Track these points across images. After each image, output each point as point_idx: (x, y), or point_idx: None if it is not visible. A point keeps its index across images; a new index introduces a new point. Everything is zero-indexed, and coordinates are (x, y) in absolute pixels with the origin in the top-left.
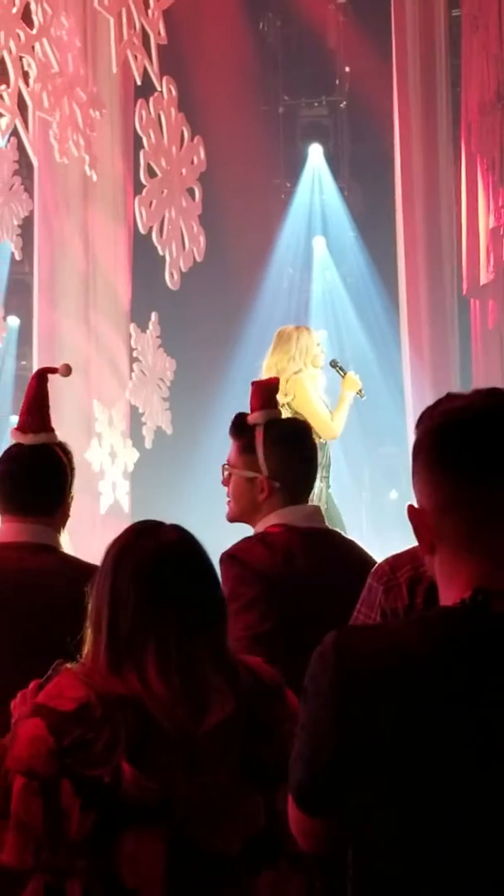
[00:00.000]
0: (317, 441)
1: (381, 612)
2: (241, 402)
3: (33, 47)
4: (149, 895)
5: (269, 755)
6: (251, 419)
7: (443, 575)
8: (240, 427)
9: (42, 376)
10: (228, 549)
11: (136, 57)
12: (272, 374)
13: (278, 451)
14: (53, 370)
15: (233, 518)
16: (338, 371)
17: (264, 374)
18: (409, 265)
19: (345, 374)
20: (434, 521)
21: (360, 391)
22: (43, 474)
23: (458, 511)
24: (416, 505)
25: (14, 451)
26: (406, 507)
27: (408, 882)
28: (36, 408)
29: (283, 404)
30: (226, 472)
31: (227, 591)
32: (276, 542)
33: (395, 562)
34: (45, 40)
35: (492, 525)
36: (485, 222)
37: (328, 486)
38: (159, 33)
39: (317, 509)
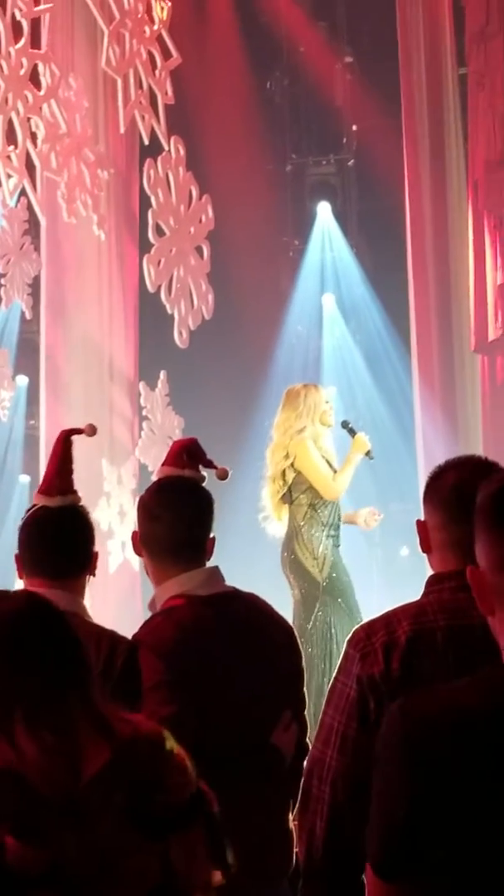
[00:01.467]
0: (320, 501)
1: (356, 679)
2: (252, 460)
3: (41, 108)
4: None
5: (158, 805)
6: (153, 475)
7: (500, 634)
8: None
9: (67, 438)
10: (137, 632)
11: (143, 117)
12: (280, 433)
13: (141, 506)
14: (79, 431)
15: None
16: (348, 432)
17: (274, 433)
18: (419, 321)
19: (355, 434)
20: (493, 580)
21: (369, 452)
22: (70, 538)
23: None
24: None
25: (40, 513)
26: (467, 570)
27: None
28: (62, 470)
29: (288, 465)
30: None
31: (143, 676)
32: (182, 619)
33: (370, 627)
34: (53, 101)
35: None
36: (492, 279)
37: (336, 545)
38: (167, 93)
39: (215, 570)
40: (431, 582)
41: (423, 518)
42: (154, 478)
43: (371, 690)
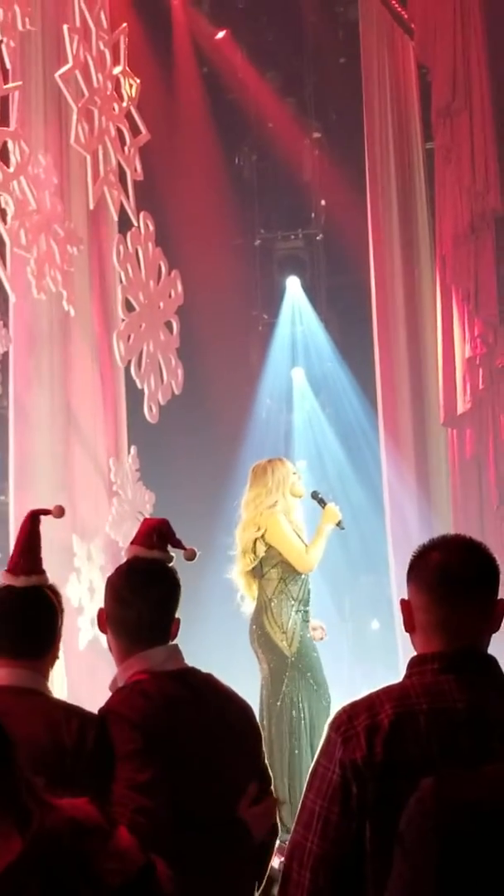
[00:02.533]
0: (291, 576)
1: (339, 764)
2: (223, 534)
3: (11, 185)
4: None
5: (85, 893)
6: (123, 553)
7: None
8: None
9: (35, 518)
10: (105, 704)
11: (112, 193)
12: (250, 510)
13: (109, 587)
14: (46, 512)
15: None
16: (319, 503)
17: (244, 511)
18: (386, 394)
19: (325, 505)
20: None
21: (340, 523)
22: (35, 618)
23: None
24: None
25: (4, 594)
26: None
27: None
28: (28, 550)
29: (259, 538)
30: None
31: (115, 747)
32: (148, 690)
33: (353, 710)
34: (22, 178)
35: None
36: (461, 352)
37: (305, 620)
38: (136, 169)
39: (175, 648)
40: (414, 663)
41: (406, 597)
42: (124, 556)
43: (354, 775)
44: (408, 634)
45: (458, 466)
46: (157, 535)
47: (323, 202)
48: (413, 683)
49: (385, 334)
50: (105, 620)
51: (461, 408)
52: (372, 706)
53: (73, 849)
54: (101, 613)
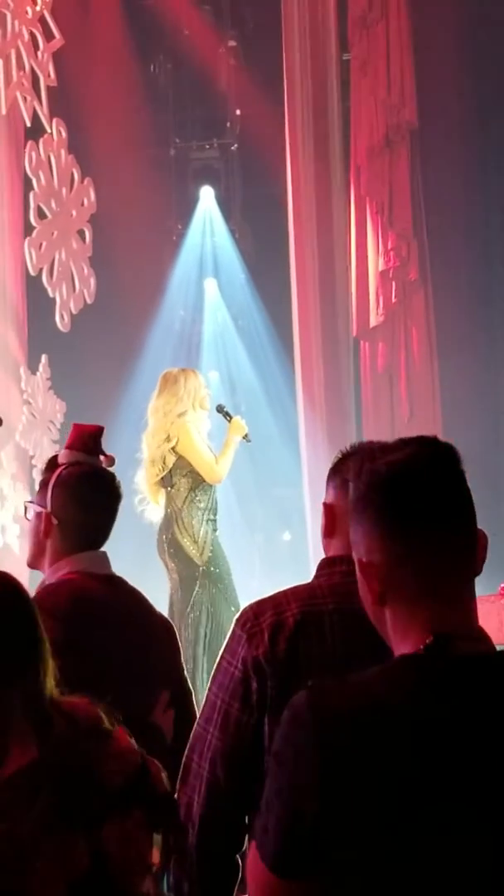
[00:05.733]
0: (200, 485)
1: (241, 660)
2: (130, 443)
3: None
4: None
5: (90, 796)
6: (59, 457)
7: (397, 624)
8: (48, 464)
9: None
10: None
11: (25, 98)
12: (158, 417)
13: (64, 489)
14: None
15: (29, 560)
16: (224, 416)
17: (150, 418)
18: (301, 307)
19: (231, 418)
20: (386, 573)
21: (247, 436)
22: None
23: (412, 561)
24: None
25: None
26: (357, 562)
27: None
28: None
29: (169, 448)
30: (26, 508)
31: None
32: (75, 588)
33: (259, 608)
34: None
35: (442, 572)
36: (374, 265)
37: (214, 530)
38: (49, 75)
39: (105, 555)
40: (323, 565)
41: (327, 501)
42: (61, 460)
43: (255, 671)
44: (320, 544)
45: (371, 380)
46: (94, 441)
47: (238, 112)
48: (321, 584)
49: (300, 247)
50: (51, 522)
51: (374, 321)
52: (278, 604)
53: (83, 757)
54: (47, 516)
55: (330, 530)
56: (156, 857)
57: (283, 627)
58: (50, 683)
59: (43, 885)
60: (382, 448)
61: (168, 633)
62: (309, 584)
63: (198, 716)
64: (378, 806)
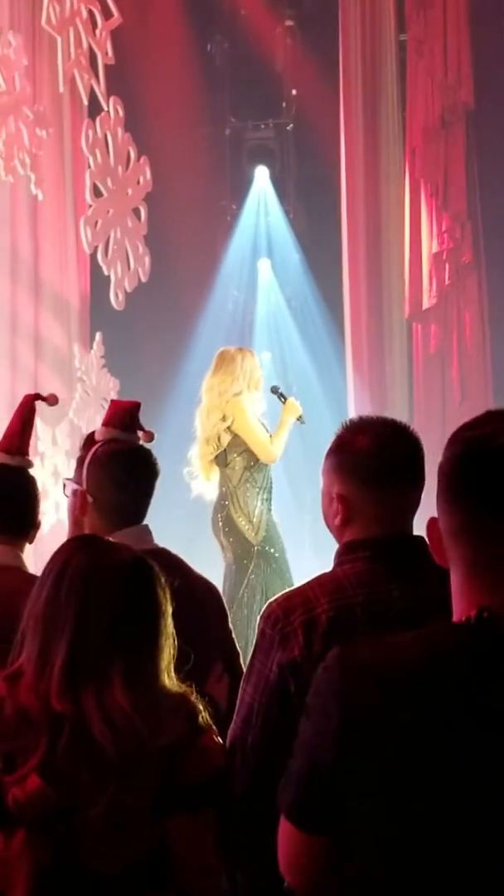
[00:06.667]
0: (255, 464)
1: (277, 664)
2: (184, 422)
3: None
4: None
5: (175, 787)
6: (95, 434)
7: (455, 592)
8: (85, 440)
9: (34, 402)
10: None
11: (83, 76)
12: (213, 395)
13: (99, 469)
14: (43, 398)
15: (69, 535)
16: (279, 397)
17: (204, 395)
18: (352, 289)
19: (285, 399)
20: (446, 543)
21: (300, 417)
22: (23, 499)
23: (468, 536)
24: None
25: (2, 471)
26: (427, 523)
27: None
28: (24, 431)
29: (225, 427)
30: (64, 485)
31: None
32: None
33: (287, 605)
34: None
35: (497, 551)
36: (428, 247)
37: (269, 510)
38: (107, 53)
39: (146, 528)
40: (343, 552)
41: (338, 491)
42: (99, 437)
43: (292, 673)
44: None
45: (422, 362)
46: (130, 417)
47: (294, 92)
48: (346, 573)
49: (353, 227)
50: (86, 502)
51: (426, 303)
52: (307, 601)
53: (194, 743)
54: (83, 494)
55: (347, 519)
56: (216, 858)
57: (317, 626)
58: (169, 660)
59: (107, 856)
60: (388, 429)
61: (216, 602)
62: (333, 573)
63: None
64: (392, 760)
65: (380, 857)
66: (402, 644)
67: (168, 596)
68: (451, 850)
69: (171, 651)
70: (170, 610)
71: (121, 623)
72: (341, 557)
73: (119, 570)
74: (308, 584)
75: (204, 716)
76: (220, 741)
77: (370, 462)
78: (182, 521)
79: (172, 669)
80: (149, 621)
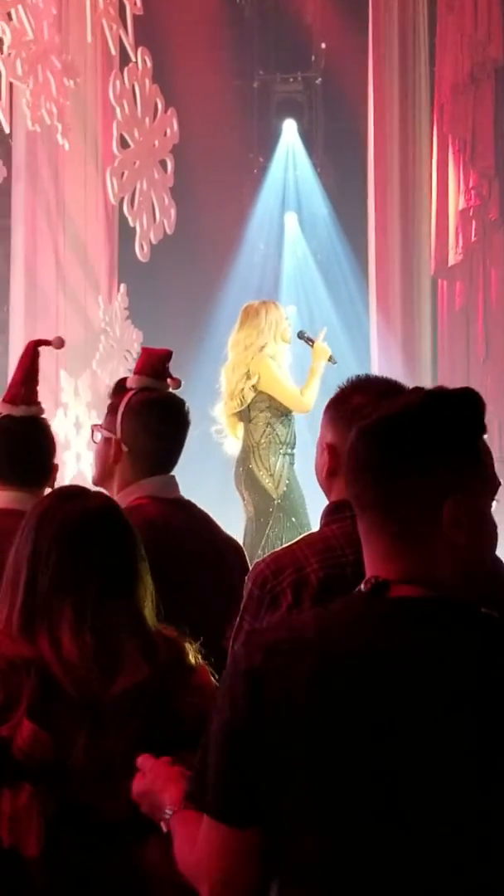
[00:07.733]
0: (278, 419)
1: (267, 623)
2: (209, 375)
3: (9, 14)
4: (28, 854)
5: (169, 727)
6: (127, 382)
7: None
8: (116, 387)
9: (35, 349)
10: None
11: (111, 27)
12: (239, 350)
13: (134, 417)
14: (47, 342)
15: (96, 480)
16: (306, 341)
17: (231, 351)
18: (379, 244)
19: (313, 343)
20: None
21: (331, 357)
22: (36, 448)
23: (360, 511)
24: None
25: (7, 422)
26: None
27: (333, 874)
28: (29, 380)
29: (249, 385)
30: (93, 431)
31: None
32: (148, 514)
33: (276, 565)
34: (20, 7)
35: (388, 526)
36: (455, 203)
37: (291, 464)
38: (135, 3)
39: (173, 478)
40: (330, 511)
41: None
42: (130, 385)
43: None
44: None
45: (447, 318)
46: (163, 365)
47: (323, 46)
48: (334, 533)
49: (381, 183)
50: (119, 449)
51: (452, 259)
52: (297, 560)
53: (178, 687)
54: (117, 443)
55: (335, 470)
56: None
57: (307, 585)
58: (150, 605)
59: (113, 802)
60: (387, 388)
61: (238, 555)
62: (321, 533)
63: None
64: (307, 740)
65: (308, 831)
66: (303, 619)
67: (139, 542)
68: (373, 811)
69: (148, 594)
70: (141, 554)
71: (73, 566)
72: (328, 518)
73: (70, 514)
74: (296, 543)
75: (195, 655)
76: (213, 680)
77: (363, 415)
78: (211, 475)
79: (153, 614)
80: (112, 564)
